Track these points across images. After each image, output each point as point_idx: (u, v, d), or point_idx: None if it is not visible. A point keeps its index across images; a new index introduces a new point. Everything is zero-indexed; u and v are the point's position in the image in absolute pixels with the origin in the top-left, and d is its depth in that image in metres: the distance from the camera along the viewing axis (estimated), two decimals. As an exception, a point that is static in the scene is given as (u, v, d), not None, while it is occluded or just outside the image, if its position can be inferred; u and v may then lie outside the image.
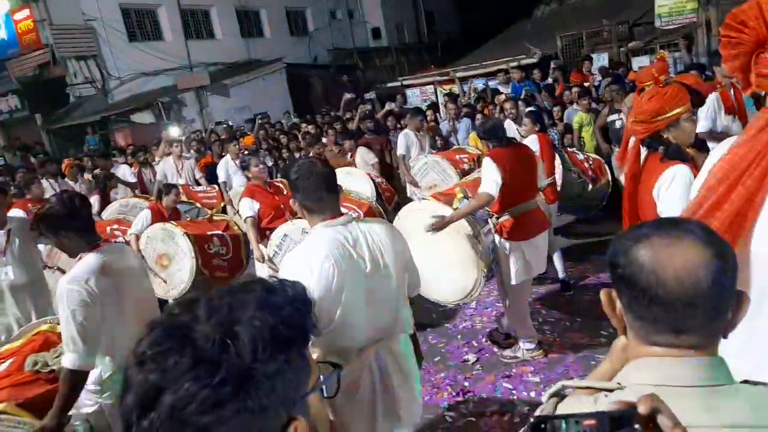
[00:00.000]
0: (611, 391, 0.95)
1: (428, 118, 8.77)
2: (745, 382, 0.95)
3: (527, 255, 3.80)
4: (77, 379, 2.25)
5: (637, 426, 0.72)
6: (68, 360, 2.23)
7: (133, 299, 2.44)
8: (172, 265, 4.97)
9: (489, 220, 3.85)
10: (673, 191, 2.30)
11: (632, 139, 2.56)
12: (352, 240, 2.08)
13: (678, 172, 2.32)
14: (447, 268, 3.77)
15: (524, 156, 3.87)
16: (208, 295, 0.76)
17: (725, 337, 0.97)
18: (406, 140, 6.78)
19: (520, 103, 7.18)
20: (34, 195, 5.74)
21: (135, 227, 5.20)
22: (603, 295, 1.04)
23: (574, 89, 7.90)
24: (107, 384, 2.39)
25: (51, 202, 2.36)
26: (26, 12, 14.73)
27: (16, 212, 5.40)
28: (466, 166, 6.47)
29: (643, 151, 2.54)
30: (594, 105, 7.20)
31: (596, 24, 13.97)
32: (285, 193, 5.65)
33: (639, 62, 11.10)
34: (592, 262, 5.45)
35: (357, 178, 6.34)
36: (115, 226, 5.51)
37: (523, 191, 3.79)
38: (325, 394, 0.88)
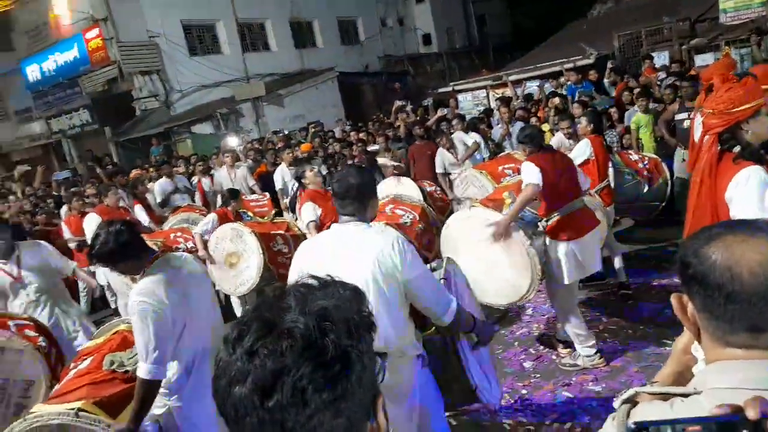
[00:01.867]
0: (687, 396, 0.94)
1: (482, 121, 8.75)
2: None
3: (579, 254, 3.77)
4: (152, 387, 2.35)
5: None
6: (142, 370, 2.34)
7: (199, 304, 2.54)
8: (241, 262, 5.21)
9: (538, 223, 3.82)
10: (747, 193, 2.21)
11: (706, 138, 2.45)
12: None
13: (752, 173, 2.22)
14: (500, 270, 3.74)
15: (560, 158, 3.96)
16: (288, 289, 0.83)
17: None
18: (441, 159, 7.08)
19: (575, 105, 7.05)
20: (110, 202, 6.14)
21: (201, 228, 5.45)
22: (674, 299, 1.02)
23: (635, 90, 7.66)
24: (174, 387, 2.50)
25: (100, 239, 2.43)
26: (96, 31, 15.64)
27: (93, 217, 5.91)
28: (509, 179, 6.41)
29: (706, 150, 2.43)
30: (652, 105, 6.95)
31: (656, 21, 13.47)
32: None
33: (702, 60, 10.63)
34: (653, 268, 5.25)
35: (407, 187, 6.40)
36: (179, 234, 5.75)
37: (567, 191, 3.82)
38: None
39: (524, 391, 3.72)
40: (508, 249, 3.67)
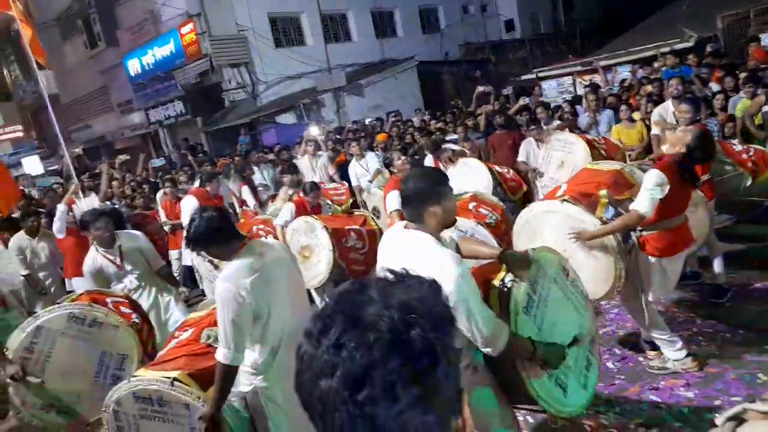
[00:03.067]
0: None
1: (564, 110, 8.40)
2: None
3: (669, 272, 3.52)
4: (229, 372, 2.45)
5: None
6: (220, 354, 2.44)
7: (284, 288, 2.60)
8: (313, 256, 5.27)
9: (632, 232, 3.57)
10: None
11: None
12: None
13: None
14: (578, 270, 3.54)
15: (690, 172, 3.47)
16: (368, 282, 0.82)
17: None
18: (526, 148, 6.88)
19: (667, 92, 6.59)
20: (212, 189, 6.51)
21: (281, 219, 5.61)
22: None
23: (743, 74, 7.04)
24: (261, 368, 2.58)
25: (194, 224, 2.57)
26: (190, 26, 16.51)
27: (190, 200, 6.29)
28: (589, 136, 6.12)
29: None
30: (759, 91, 6.35)
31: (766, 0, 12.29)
32: None
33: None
34: (755, 269, 4.83)
35: (474, 170, 6.29)
36: (261, 226, 5.93)
37: (679, 206, 3.45)
38: None
39: (607, 392, 3.55)
40: (595, 255, 3.47)
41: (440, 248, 2.12)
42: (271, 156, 9.74)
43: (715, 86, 7.57)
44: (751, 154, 5.37)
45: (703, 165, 4.43)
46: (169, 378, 2.58)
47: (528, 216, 3.78)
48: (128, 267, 4.35)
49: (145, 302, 4.34)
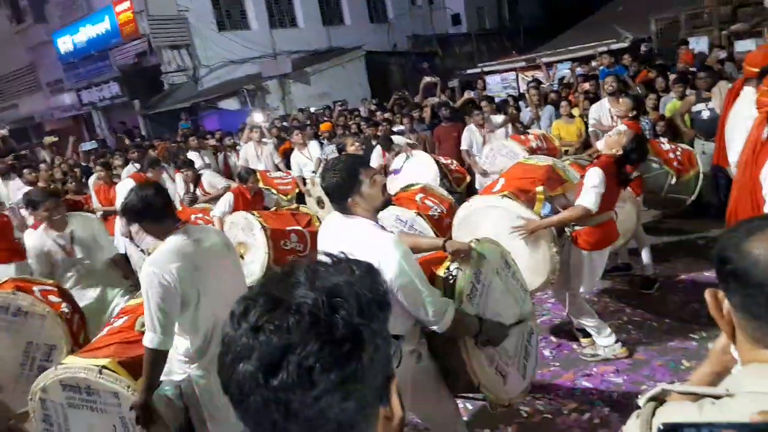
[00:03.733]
0: (718, 397, 0.89)
1: (509, 104, 8.58)
2: None
3: (597, 265, 3.70)
4: (157, 357, 2.37)
5: None
6: (147, 339, 2.36)
7: (217, 277, 2.53)
8: (248, 255, 5.04)
9: (565, 228, 3.68)
10: None
11: (753, 118, 2.35)
12: None
13: None
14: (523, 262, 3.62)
15: (621, 171, 3.66)
16: (299, 265, 0.80)
17: None
18: (469, 135, 6.98)
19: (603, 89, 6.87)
20: (154, 175, 6.18)
21: (218, 210, 5.41)
22: (708, 295, 0.96)
23: (672, 75, 7.41)
24: (194, 356, 2.52)
25: (130, 197, 2.51)
26: (126, 4, 15.74)
27: (128, 183, 5.92)
28: (533, 144, 6.29)
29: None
30: (689, 92, 6.71)
31: (695, 5, 12.99)
32: None
33: (743, 46, 10.19)
34: (681, 261, 5.12)
35: (422, 162, 6.34)
36: (200, 215, 5.68)
37: (610, 203, 3.61)
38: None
39: (543, 378, 3.67)
40: (532, 248, 3.56)
41: (380, 232, 2.13)
42: (212, 141, 9.44)
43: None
44: (678, 153, 5.66)
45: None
46: (97, 366, 2.48)
47: (468, 211, 3.82)
48: (79, 255, 3.97)
49: (91, 294, 4.03)
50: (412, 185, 5.36)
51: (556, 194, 3.85)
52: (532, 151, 5.99)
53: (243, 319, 0.72)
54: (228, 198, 5.50)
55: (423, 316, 2.12)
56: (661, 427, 0.78)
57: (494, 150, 6.50)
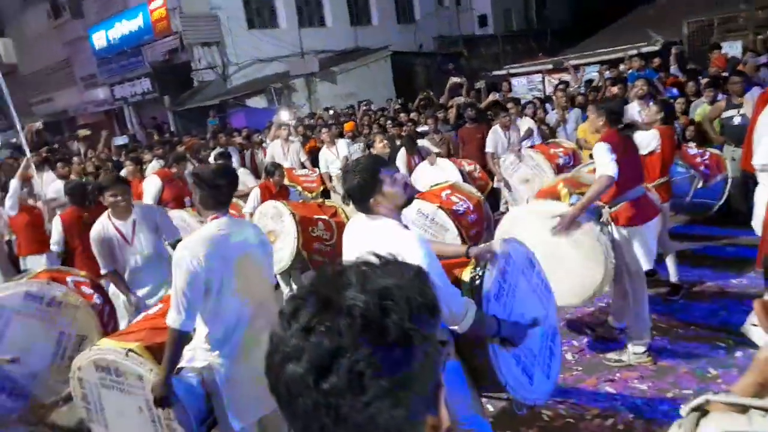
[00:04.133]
0: None
1: (536, 106, 8.52)
2: None
3: (649, 239, 3.70)
4: (178, 338, 2.44)
5: None
6: (170, 318, 2.44)
7: (245, 270, 2.58)
8: (278, 242, 5.20)
9: (602, 211, 3.69)
10: None
11: None
12: None
13: None
14: (568, 267, 3.57)
15: (632, 142, 3.84)
16: (349, 265, 0.79)
17: None
18: (494, 137, 6.89)
19: (633, 92, 6.77)
20: (178, 170, 6.23)
21: (248, 206, 5.54)
22: (757, 305, 0.95)
23: (704, 80, 7.28)
24: (215, 345, 2.58)
25: (209, 166, 2.68)
26: (160, 1, 16.04)
27: (153, 179, 6.01)
28: (560, 161, 6.26)
29: None
30: (720, 97, 6.59)
31: (730, 9, 12.72)
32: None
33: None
34: (708, 268, 5.03)
35: (444, 169, 6.35)
36: (231, 210, 5.83)
37: (636, 176, 3.69)
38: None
39: (565, 383, 3.66)
40: (576, 242, 3.54)
41: (403, 231, 2.14)
42: (239, 139, 9.57)
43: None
44: (705, 158, 5.58)
45: (662, 168, 4.61)
46: (125, 348, 2.57)
47: (501, 230, 3.77)
48: (137, 244, 3.86)
49: (147, 285, 3.87)
50: (441, 183, 5.41)
51: (581, 191, 3.87)
52: (558, 169, 5.94)
53: (293, 319, 0.71)
54: (255, 194, 5.61)
55: (446, 317, 2.13)
56: None
57: (519, 157, 6.48)
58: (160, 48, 16.64)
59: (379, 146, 5.26)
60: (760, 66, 8.38)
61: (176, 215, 5.25)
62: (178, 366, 2.55)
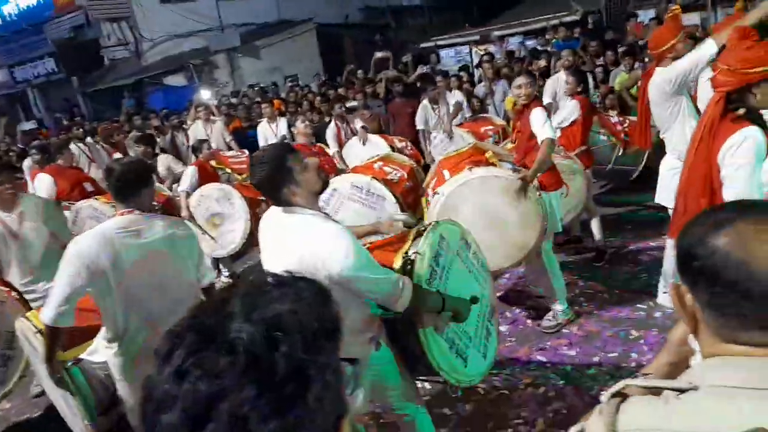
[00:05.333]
0: (683, 391, 0.87)
1: (463, 80, 8.52)
2: None
3: (557, 205, 3.87)
4: (50, 333, 2.40)
5: None
6: (44, 315, 2.35)
7: (153, 268, 2.42)
8: (224, 224, 5.15)
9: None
10: (741, 155, 2.13)
11: (711, 94, 2.36)
12: None
13: (750, 134, 2.15)
14: (507, 231, 3.60)
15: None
16: (236, 291, 0.70)
17: None
18: (424, 113, 6.79)
19: (559, 63, 6.90)
20: (64, 161, 5.65)
21: (183, 185, 5.29)
22: (672, 290, 0.93)
23: (620, 48, 7.52)
24: (111, 341, 2.46)
25: (121, 160, 2.62)
26: (60, -27, 14.78)
27: (43, 178, 5.36)
28: (490, 140, 6.32)
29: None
30: (637, 65, 6.83)
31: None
32: (329, 154, 6.16)
33: (688, 20, 10.43)
34: (629, 232, 5.25)
35: (375, 145, 6.29)
36: None
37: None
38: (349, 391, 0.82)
39: (499, 354, 3.70)
40: (517, 204, 3.57)
41: (322, 225, 2.01)
42: (156, 122, 9.03)
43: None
44: (625, 125, 5.78)
45: (582, 137, 4.75)
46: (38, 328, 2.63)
47: (445, 202, 3.63)
48: (27, 239, 3.54)
49: (43, 280, 3.50)
50: (373, 157, 5.35)
51: (504, 155, 4.01)
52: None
53: (166, 361, 0.62)
54: (190, 171, 5.34)
55: (381, 300, 2.08)
56: None
57: (450, 138, 6.46)
58: (63, 25, 15.38)
59: (300, 126, 5.10)
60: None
61: (86, 206, 4.90)
62: (80, 357, 2.59)
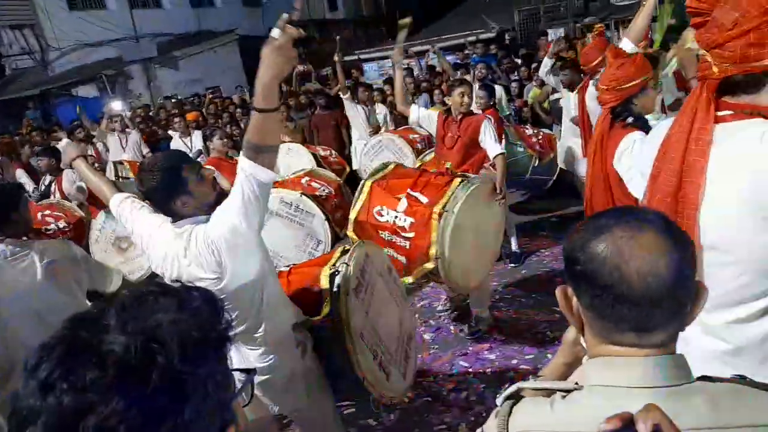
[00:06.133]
0: (568, 391, 0.91)
1: (386, 93, 8.64)
2: (704, 378, 0.91)
3: None
4: None
5: None
6: None
7: (27, 303, 2.21)
8: (132, 249, 4.69)
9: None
10: (635, 157, 2.31)
11: (598, 112, 2.57)
12: None
13: (638, 138, 2.35)
14: (486, 242, 3.70)
15: None
16: (114, 303, 0.67)
17: (682, 330, 0.93)
18: (354, 113, 6.87)
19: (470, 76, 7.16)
20: None
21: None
22: (559, 292, 0.97)
23: (533, 65, 7.92)
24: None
25: None
26: (-48, -25, 13.67)
27: None
28: (419, 146, 6.45)
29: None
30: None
31: (553, -1, 14.03)
32: None
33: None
34: (545, 238, 5.50)
35: (298, 154, 6.24)
36: (47, 212, 5.01)
37: None
38: (243, 401, 0.79)
39: (423, 362, 3.75)
40: (490, 210, 3.67)
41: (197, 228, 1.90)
42: (62, 135, 8.49)
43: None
44: (539, 138, 6.06)
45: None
46: None
47: (457, 224, 3.29)
48: None
49: None
50: (297, 171, 5.28)
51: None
52: (418, 153, 6.09)
53: (33, 374, 0.59)
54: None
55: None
56: None
57: (382, 144, 6.51)
58: (-44, 30, 14.23)
59: (218, 143, 4.96)
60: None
61: None
62: None
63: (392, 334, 2.51)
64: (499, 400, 0.99)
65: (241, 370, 0.76)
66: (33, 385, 0.59)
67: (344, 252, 2.47)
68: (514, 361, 3.60)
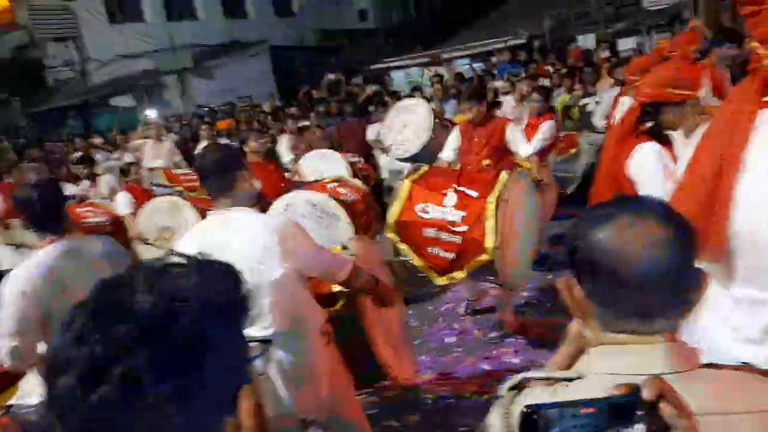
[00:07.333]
0: (571, 380, 0.92)
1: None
2: (709, 365, 0.91)
3: None
4: None
5: (640, 413, 0.67)
6: None
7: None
8: (176, 238, 4.92)
9: None
10: (649, 171, 2.28)
11: (626, 104, 2.50)
12: None
13: (651, 151, 2.30)
14: (530, 238, 3.74)
15: None
16: (141, 267, 0.72)
17: (684, 318, 0.94)
18: (376, 128, 6.94)
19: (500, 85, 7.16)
20: (15, 181, 5.57)
21: (125, 209, 5.13)
22: (560, 283, 0.98)
23: (563, 71, 7.87)
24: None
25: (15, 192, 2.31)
26: (1, -9, 14.35)
27: None
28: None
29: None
30: (576, 86, 7.17)
31: (584, 4, 13.88)
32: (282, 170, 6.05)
33: (624, 44, 11.04)
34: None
35: (331, 160, 6.31)
36: (85, 209, 5.24)
37: None
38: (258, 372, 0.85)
39: (446, 366, 3.76)
40: (533, 208, 3.74)
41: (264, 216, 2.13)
42: (99, 139, 8.84)
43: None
44: (560, 137, 6.03)
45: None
46: None
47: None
48: None
49: None
50: (326, 177, 5.35)
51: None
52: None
53: (67, 328, 0.65)
54: (123, 197, 5.21)
55: (330, 275, 2.20)
56: (525, 410, 0.79)
57: (390, 118, 6.53)
58: (4, 44, 14.88)
59: (253, 144, 5.10)
60: (609, 57, 9.22)
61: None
62: (9, 403, 2.30)
63: None
64: (502, 391, 1.00)
65: (258, 340, 0.80)
66: (68, 336, 0.64)
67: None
68: (538, 365, 3.58)
